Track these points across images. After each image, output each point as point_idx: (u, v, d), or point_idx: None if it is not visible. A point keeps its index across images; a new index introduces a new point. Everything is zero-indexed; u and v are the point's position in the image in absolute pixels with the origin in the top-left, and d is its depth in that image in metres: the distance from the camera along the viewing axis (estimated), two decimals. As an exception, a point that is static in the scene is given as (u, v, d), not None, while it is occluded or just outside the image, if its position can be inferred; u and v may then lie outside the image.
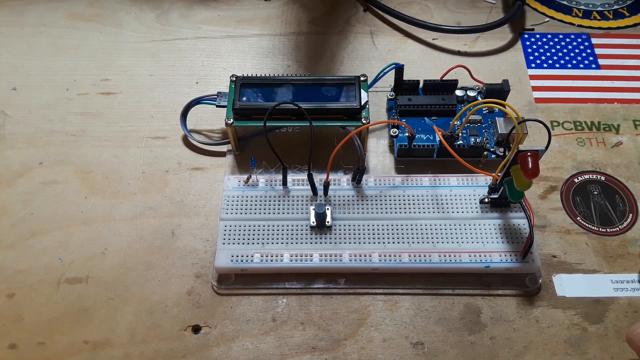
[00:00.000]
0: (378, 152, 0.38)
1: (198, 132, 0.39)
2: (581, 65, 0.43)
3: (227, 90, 0.36)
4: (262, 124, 0.32)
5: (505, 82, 0.38)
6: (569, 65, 0.43)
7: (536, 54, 0.44)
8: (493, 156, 0.36)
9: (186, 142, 0.39)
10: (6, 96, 0.41)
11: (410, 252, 0.32)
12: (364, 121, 0.34)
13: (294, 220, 0.33)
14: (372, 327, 0.31)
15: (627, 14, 0.46)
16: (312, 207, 0.33)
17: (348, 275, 0.33)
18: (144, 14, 0.46)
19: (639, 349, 0.28)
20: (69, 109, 0.40)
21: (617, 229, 0.35)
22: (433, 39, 0.45)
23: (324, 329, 0.31)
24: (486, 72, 0.42)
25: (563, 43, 0.44)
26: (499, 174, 0.31)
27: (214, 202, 0.36)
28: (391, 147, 0.38)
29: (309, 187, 0.34)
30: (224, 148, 0.38)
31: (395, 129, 0.36)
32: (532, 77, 0.42)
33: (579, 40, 0.44)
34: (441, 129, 0.35)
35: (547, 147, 0.29)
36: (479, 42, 0.44)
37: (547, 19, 0.46)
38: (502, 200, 0.33)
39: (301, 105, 0.33)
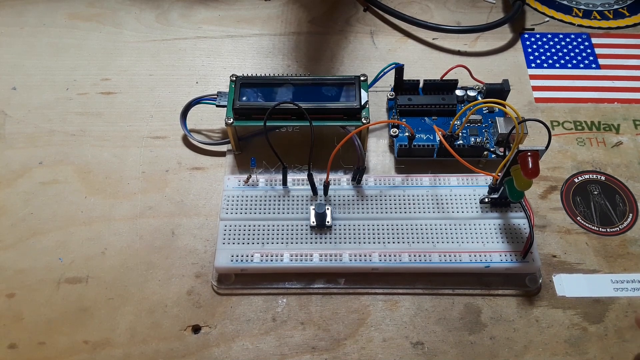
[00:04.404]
0: (378, 152, 0.38)
1: (198, 132, 0.39)
2: (581, 65, 0.43)
3: (227, 90, 0.36)
4: (262, 124, 0.32)
5: (505, 82, 0.38)
6: (569, 65, 0.43)
7: (536, 53, 0.44)
8: (493, 156, 0.36)
9: (186, 142, 0.39)
10: (6, 96, 0.41)
11: (410, 252, 0.32)
12: (364, 121, 0.34)
13: (294, 220, 0.33)
14: (372, 327, 0.31)
15: (627, 14, 0.46)
16: (312, 207, 0.33)
17: (348, 275, 0.33)
18: (144, 14, 0.46)
19: None
20: (69, 109, 0.40)
21: (617, 229, 0.35)
22: (433, 39, 0.45)
23: (324, 329, 0.31)
24: (486, 72, 0.42)
25: (563, 43, 0.44)
26: (499, 174, 0.31)
27: (214, 202, 0.36)
28: (391, 147, 0.38)
29: (309, 187, 0.34)
30: (224, 148, 0.38)
31: (395, 129, 0.36)
32: (532, 77, 0.42)
33: (579, 40, 0.44)
34: (441, 128, 0.35)
35: (547, 147, 0.29)
36: (479, 42, 0.44)
37: (547, 19, 0.46)
38: (502, 200, 0.33)
39: (301, 105, 0.33)
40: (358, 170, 0.34)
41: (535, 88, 0.41)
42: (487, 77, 0.39)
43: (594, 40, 0.44)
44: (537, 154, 0.28)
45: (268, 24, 0.46)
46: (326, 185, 0.33)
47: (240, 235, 0.33)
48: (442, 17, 0.46)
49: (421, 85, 0.38)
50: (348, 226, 0.33)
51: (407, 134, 0.35)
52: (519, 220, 0.33)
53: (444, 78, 0.38)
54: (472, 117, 0.36)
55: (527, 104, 0.40)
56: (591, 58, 0.43)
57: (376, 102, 0.40)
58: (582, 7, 0.47)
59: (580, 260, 0.33)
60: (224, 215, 0.34)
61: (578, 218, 0.35)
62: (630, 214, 0.35)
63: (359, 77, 0.36)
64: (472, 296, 0.32)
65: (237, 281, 0.33)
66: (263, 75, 0.36)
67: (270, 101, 0.34)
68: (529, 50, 0.44)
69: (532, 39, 0.45)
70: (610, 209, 0.35)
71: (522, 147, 0.29)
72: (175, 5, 0.47)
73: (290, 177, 0.35)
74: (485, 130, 0.36)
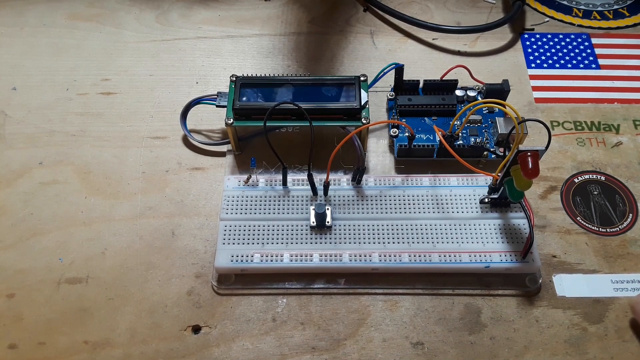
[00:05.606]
0: (378, 152, 0.38)
1: (198, 132, 0.39)
2: (581, 65, 0.43)
3: (227, 90, 0.36)
4: (262, 124, 0.32)
5: (505, 82, 0.38)
6: (569, 65, 0.43)
7: (536, 54, 0.44)
8: (493, 156, 0.36)
9: (186, 142, 0.39)
10: (6, 96, 0.41)
11: (410, 252, 0.32)
12: (364, 121, 0.34)
13: (294, 220, 0.33)
14: (372, 327, 0.31)
15: (627, 14, 0.46)
16: (312, 207, 0.33)
17: (348, 275, 0.33)
18: (144, 14, 0.46)
19: None
20: (69, 109, 0.40)
21: (617, 229, 0.35)
22: (433, 39, 0.45)
23: (324, 329, 0.31)
24: (486, 72, 0.42)
25: (563, 43, 0.44)
26: (499, 174, 0.31)
27: (214, 202, 0.36)
28: (391, 147, 0.38)
29: (309, 187, 0.34)
30: (224, 148, 0.38)
31: (395, 129, 0.36)
32: (532, 77, 0.42)
33: (579, 40, 0.44)
34: (441, 129, 0.35)
35: (547, 147, 0.29)
36: (479, 42, 0.44)
37: (547, 19, 0.46)
38: (502, 200, 0.33)
39: (301, 105, 0.33)
40: (358, 171, 0.34)
41: (535, 88, 0.41)
42: (487, 77, 0.39)
43: (594, 41, 0.44)
44: (537, 154, 0.28)
45: (268, 24, 0.46)
46: (326, 185, 0.33)
47: (240, 236, 0.33)
48: (442, 17, 0.46)
49: (421, 85, 0.38)
50: (348, 226, 0.33)
51: (407, 134, 0.35)
52: (518, 220, 0.33)
53: (444, 78, 0.38)
54: (472, 117, 0.36)
55: (527, 104, 0.40)
56: (591, 58, 0.43)
57: (376, 102, 0.40)
58: (582, 7, 0.47)
59: (580, 260, 0.33)
60: (224, 216, 0.34)
61: (578, 218, 0.35)
62: (630, 214, 0.35)
63: (359, 77, 0.36)
64: (472, 296, 0.32)
65: (237, 281, 0.33)
66: (263, 75, 0.36)
67: (270, 101, 0.34)
68: (529, 50, 0.44)
69: (532, 39, 0.45)
70: (610, 209, 0.35)
71: (522, 147, 0.29)
72: (175, 6, 0.47)
73: (290, 177, 0.35)
74: (485, 131, 0.36)
